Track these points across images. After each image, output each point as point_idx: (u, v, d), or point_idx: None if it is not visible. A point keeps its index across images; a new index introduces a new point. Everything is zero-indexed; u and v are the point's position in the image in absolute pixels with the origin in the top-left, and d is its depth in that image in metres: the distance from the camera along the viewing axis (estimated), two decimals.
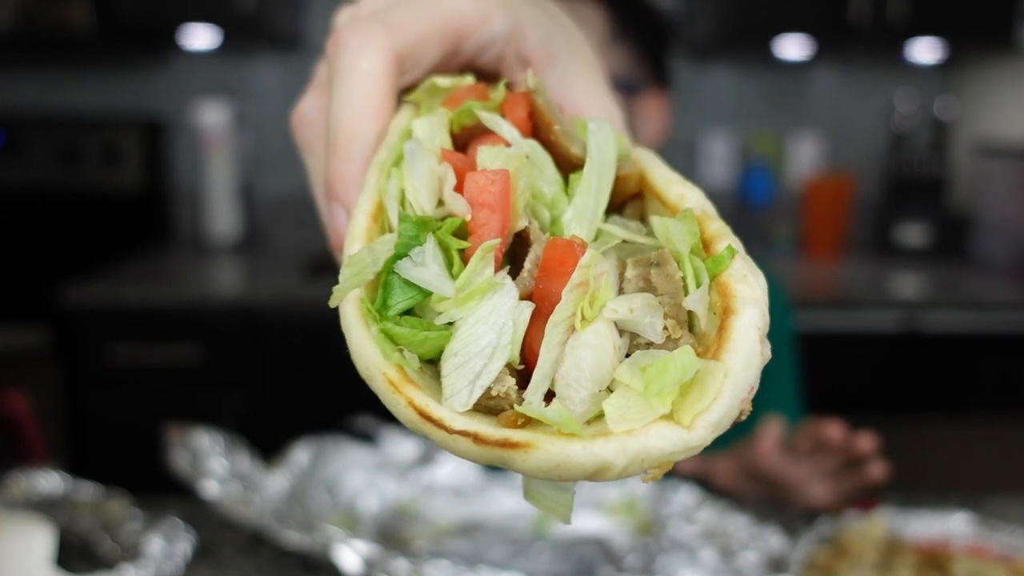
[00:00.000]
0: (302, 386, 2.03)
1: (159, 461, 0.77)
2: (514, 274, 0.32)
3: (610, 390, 0.31)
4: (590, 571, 0.69)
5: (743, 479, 0.90)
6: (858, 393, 2.04)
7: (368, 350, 0.32)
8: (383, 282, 0.33)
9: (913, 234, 2.49)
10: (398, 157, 0.37)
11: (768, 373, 1.08)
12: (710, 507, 0.77)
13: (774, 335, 1.06)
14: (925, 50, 2.58)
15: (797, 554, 0.68)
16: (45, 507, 0.76)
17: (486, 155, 0.35)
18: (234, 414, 2.03)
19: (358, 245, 0.34)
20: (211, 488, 0.70)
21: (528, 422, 0.30)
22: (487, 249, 0.32)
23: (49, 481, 0.81)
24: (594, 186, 0.36)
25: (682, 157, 2.74)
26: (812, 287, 2.12)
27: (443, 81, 0.40)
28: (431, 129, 0.37)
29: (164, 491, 0.90)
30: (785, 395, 1.06)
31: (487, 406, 0.31)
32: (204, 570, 0.74)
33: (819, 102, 2.72)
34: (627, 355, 0.31)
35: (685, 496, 0.79)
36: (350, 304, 0.33)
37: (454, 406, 0.31)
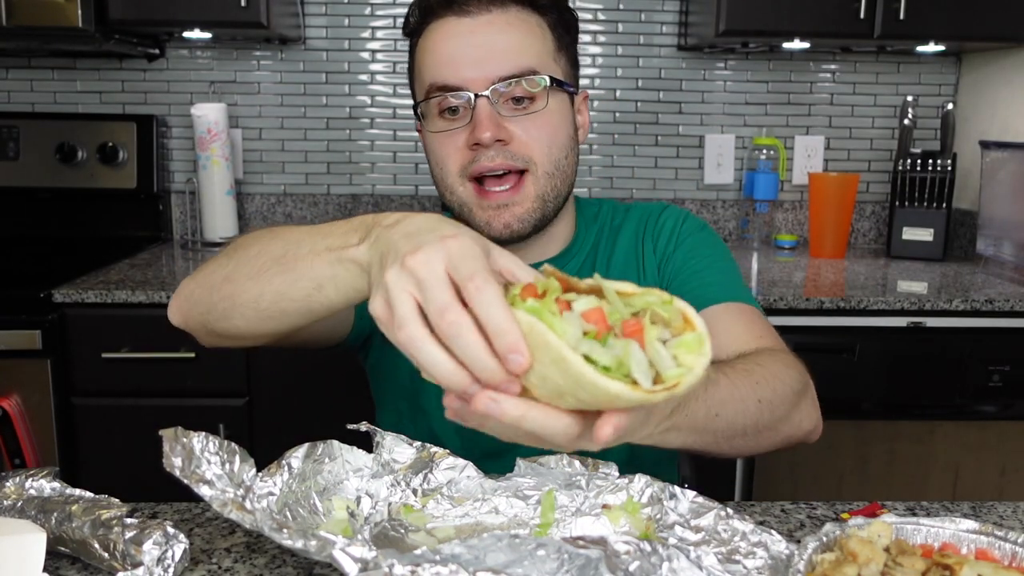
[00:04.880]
0: (299, 390, 2.02)
1: (153, 467, 0.76)
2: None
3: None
4: None
5: None
6: (863, 394, 2.02)
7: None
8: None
9: (919, 233, 2.48)
10: None
11: (703, 271, 1.11)
12: (713, 513, 0.76)
13: (698, 240, 1.14)
14: (932, 49, 2.56)
15: (801, 560, 0.67)
16: (37, 512, 0.75)
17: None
18: (229, 417, 2.02)
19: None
20: (206, 492, 0.68)
21: None
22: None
23: (41, 486, 0.79)
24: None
25: (687, 156, 2.73)
26: (817, 286, 2.11)
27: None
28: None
29: (158, 497, 0.89)
30: (728, 281, 1.11)
31: None
32: None
33: (825, 101, 2.71)
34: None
35: (687, 502, 0.78)
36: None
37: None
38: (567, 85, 1.08)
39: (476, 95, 1.01)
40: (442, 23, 1.03)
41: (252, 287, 0.80)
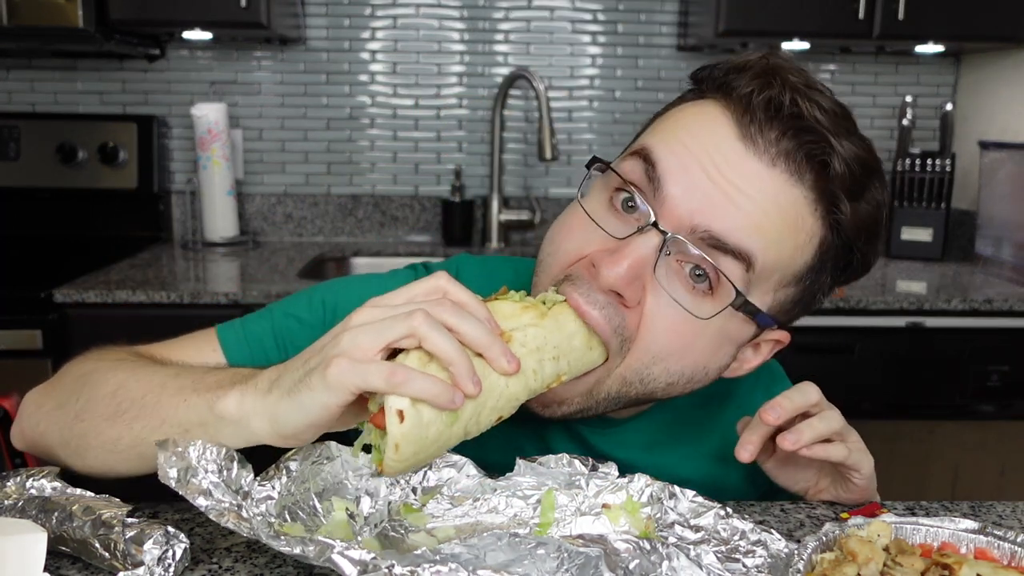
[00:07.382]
0: None
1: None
2: None
3: None
4: None
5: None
6: (862, 394, 2.02)
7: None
8: None
9: (918, 233, 2.48)
10: None
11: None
12: (712, 513, 0.76)
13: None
14: (931, 50, 2.57)
15: (800, 560, 0.67)
16: (38, 512, 0.75)
17: None
18: None
19: None
20: (202, 503, 0.68)
21: None
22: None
23: (42, 485, 0.79)
24: None
25: None
26: None
27: None
28: None
29: (158, 497, 0.89)
30: None
31: None
32: None
33: None
34: None
35: (687, 502, 0.78)
36: None
37: None
38: (761, 317, 0.79)
39: (660, 227, 0.74)
40: (725, 122, 0.76)
41: (108, 429, 0.75)
